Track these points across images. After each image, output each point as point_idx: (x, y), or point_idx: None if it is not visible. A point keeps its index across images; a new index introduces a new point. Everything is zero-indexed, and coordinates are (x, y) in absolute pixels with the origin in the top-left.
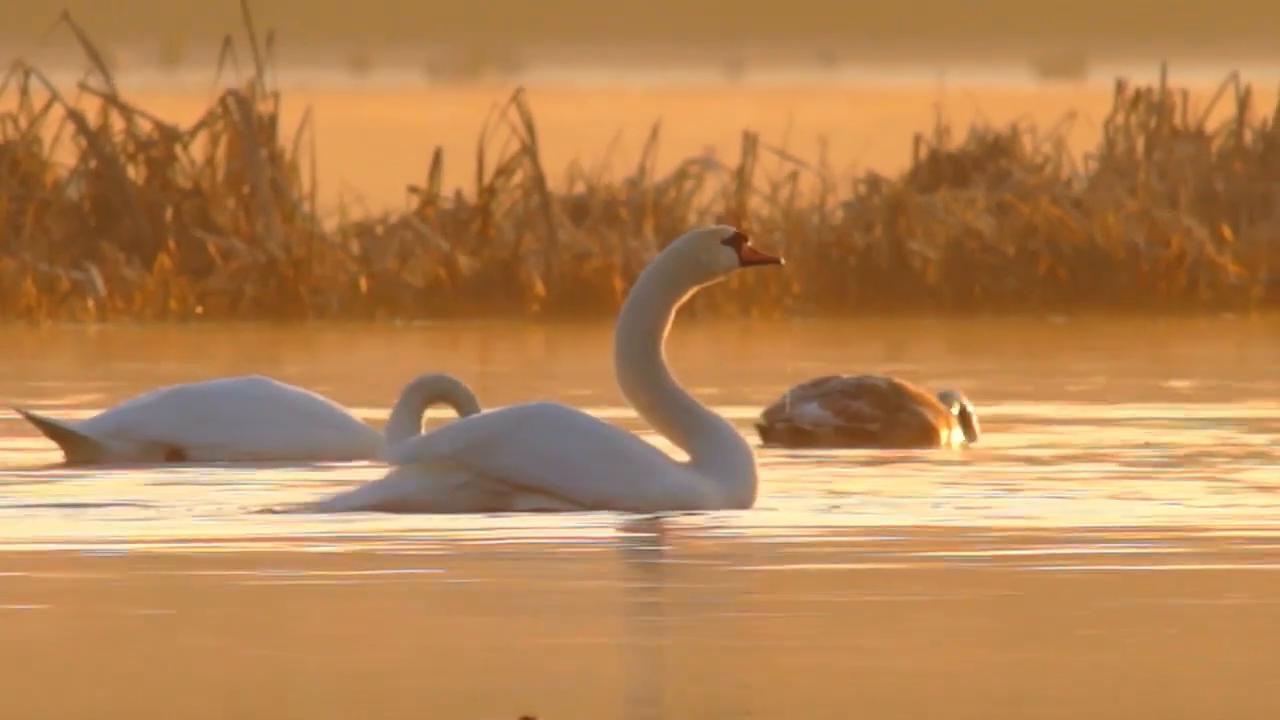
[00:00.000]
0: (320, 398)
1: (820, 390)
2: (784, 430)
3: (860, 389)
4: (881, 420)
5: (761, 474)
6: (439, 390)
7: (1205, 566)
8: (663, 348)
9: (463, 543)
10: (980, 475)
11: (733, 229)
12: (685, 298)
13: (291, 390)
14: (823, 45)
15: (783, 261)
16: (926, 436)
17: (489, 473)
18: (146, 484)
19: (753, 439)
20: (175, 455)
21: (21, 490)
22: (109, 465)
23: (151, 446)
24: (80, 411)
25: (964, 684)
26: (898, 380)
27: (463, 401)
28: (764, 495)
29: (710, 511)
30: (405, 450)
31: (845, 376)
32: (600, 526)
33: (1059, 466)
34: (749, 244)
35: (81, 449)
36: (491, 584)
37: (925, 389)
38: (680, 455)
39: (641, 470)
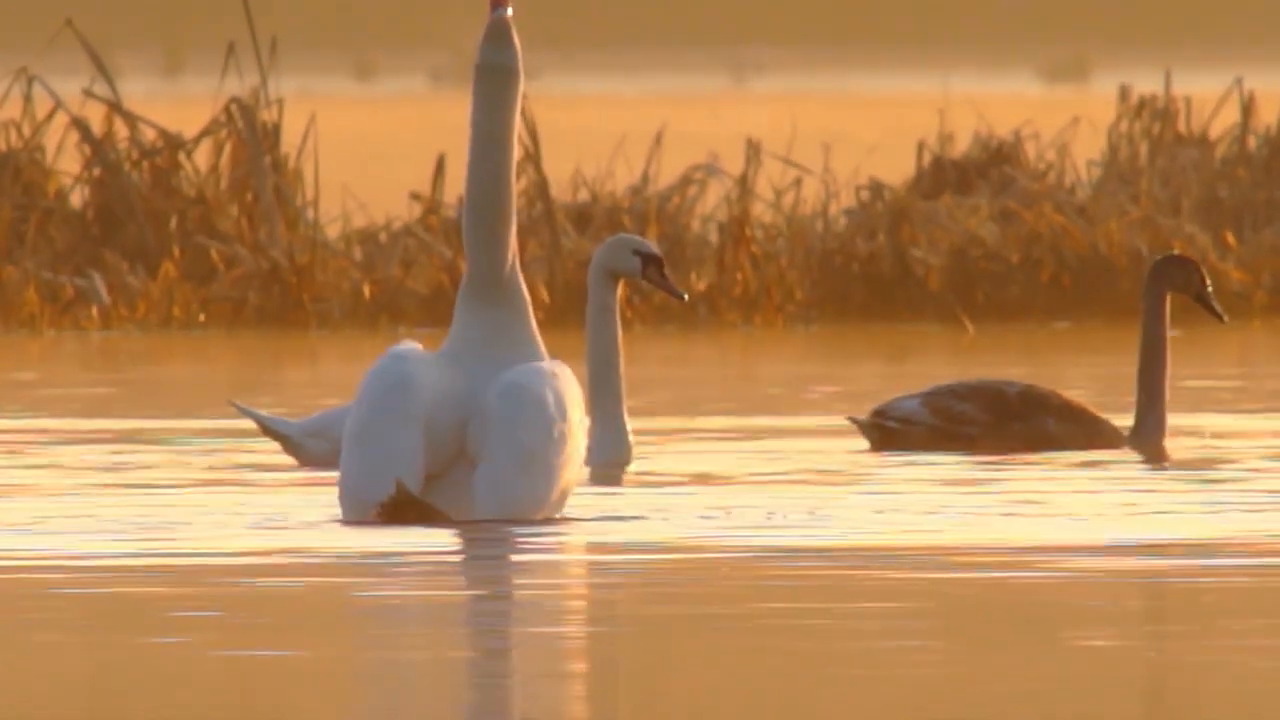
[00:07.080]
0: None
1: (932, 390)
2: (871, 426)
3: (974, 392)
4: (984, 426)
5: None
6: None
7: None
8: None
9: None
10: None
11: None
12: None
13: None
14: (826, 51)
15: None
16: (1039, 449)
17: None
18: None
19: (854, 439)
20: None
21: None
22: (307, 465)
23: None
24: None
25: None
26: (1043, 389)
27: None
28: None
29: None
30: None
31: (976, 380)
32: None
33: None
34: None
35: (285, 446)
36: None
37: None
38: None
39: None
